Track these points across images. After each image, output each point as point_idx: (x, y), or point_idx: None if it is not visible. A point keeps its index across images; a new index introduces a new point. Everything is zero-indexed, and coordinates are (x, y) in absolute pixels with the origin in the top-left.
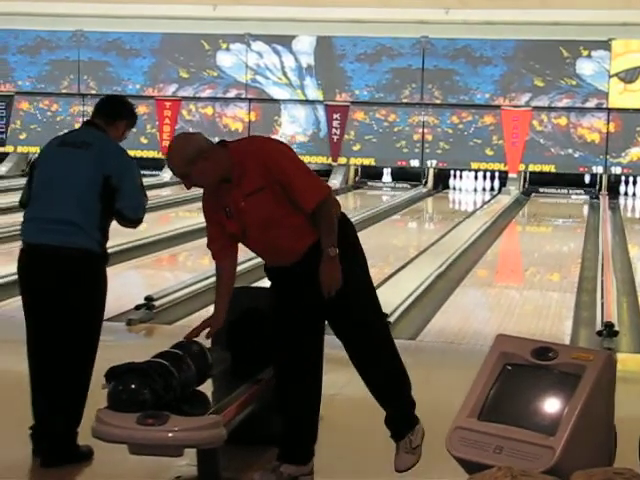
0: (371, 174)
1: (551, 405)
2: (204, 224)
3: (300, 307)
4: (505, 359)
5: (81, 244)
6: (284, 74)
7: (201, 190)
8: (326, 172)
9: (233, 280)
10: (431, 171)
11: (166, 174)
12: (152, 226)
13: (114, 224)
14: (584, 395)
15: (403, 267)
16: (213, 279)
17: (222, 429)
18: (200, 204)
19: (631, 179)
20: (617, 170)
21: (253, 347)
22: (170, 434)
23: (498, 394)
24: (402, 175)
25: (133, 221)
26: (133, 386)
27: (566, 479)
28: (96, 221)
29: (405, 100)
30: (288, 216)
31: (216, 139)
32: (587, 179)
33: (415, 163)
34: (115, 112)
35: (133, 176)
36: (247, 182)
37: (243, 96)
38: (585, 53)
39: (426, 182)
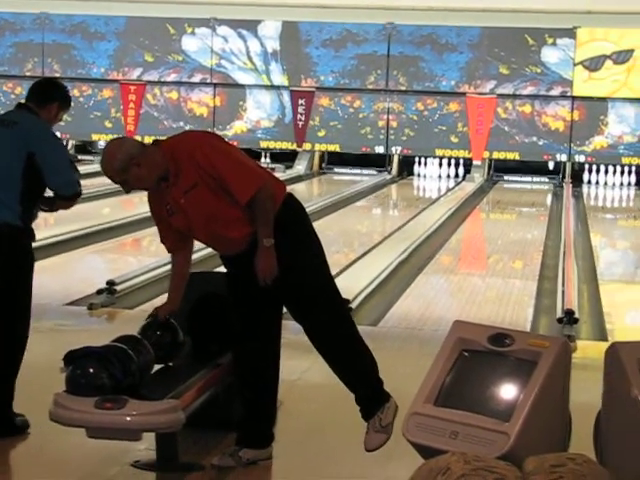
0: (335, 161)
1: (507, 391)
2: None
3: (253, 293)
4: (462, 345)
5: (1, 217)
6: (249, 59)
7: None
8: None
9: (187, 272)
10: (395, 158)
11: None
12: (115, 210)
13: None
14: (539, 381)
15: (367, 253)
16: None
17: (180, 413)
18: None
19: (594, 167)
20: (581, 158)
21: (213, 332)
22: (128, 418)
23: (454, 380)
24: (366, 162)
25: (71, 197)
26: (91, 370)
27: (521, 464)
28: (17, 197)
29: (370, 86)
30: (227, 209)
31: (181, 124)
32: (551, 166)
33: (380, 150)
34: (46, 95)
35: (58, 153)
36: (183, 179)
37: (208, 81)
38: (550, 41)
39: (390, 169)
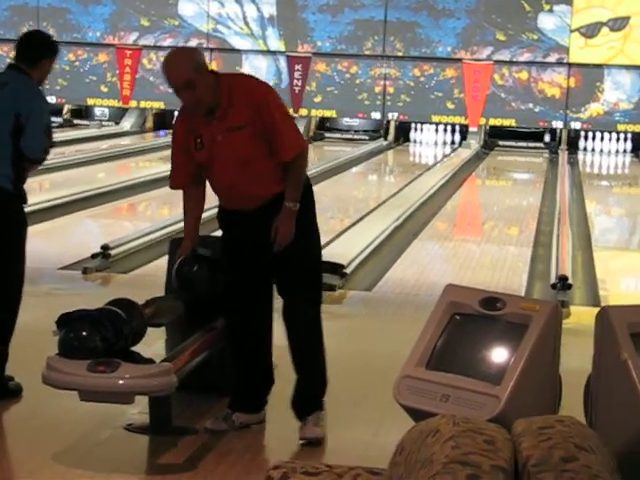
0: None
1: (498, 355)
2: (164, 173)
3: (251, 256)
4: (453, 309)
5: None
6: (246, 24)
7: (160, 140)
8: None
9: (202, 208)
10: (392, 124)
11: (126, 123)
12: (111, 175)
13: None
14: (530, 345)
15: (362, 219)
16: (170, 229)
17: (173, 377)
18: (160, 154)
19: (590, 134)
20: (577, 125)
21: (206, 295)
22: (121, 381)
23: (446, 343)
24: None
25: (31, 160)
26: (84, 333)
27: (510, 427)
28: (8, 159)
29: (367, 52)
30: (261, 159)
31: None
32: (547, 138)
33: (376, 115)
34: (37, 55)
35: (38, 116)
36: (232, 116)
37: (204, 46)
38: (547, 7)
39: (387, 135)
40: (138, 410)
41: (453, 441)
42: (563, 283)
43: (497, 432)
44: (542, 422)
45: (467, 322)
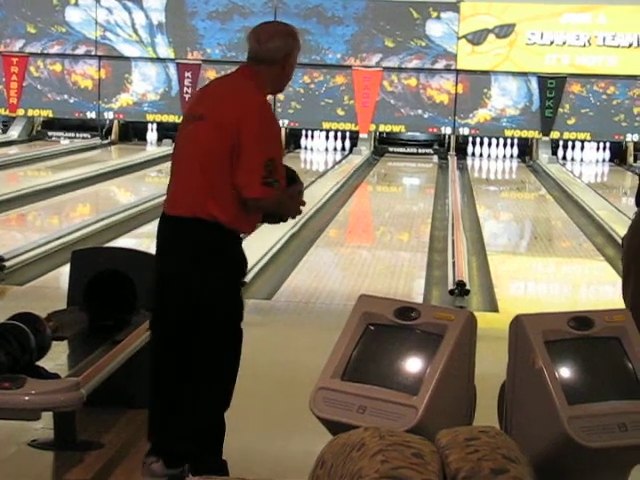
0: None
1: (413, 365)
2: (53, 183)
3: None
4: (368, 319)
5: None
6: (135, 31)
7: (46, 149)
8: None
9: None
10: (283, 130)
11: (14, 132)
12: None
13: None
14: (446, 354)
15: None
16: (64, 239)
17: (81, 392)
18: (49, 162)
19: (478, 140)
20: (465, 131)
21: (110, 308)
22: (27, 397)
23: (361, 354)
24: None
25: None
26: None
27: (429, 438)
28: None
29: None
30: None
31: (65, 97)
32: (435, 149)
33: None
34: None
35: None
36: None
37: (93, 53)
38: (434, 15)
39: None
40: (42, 425)
41: (382, 455)
42: (461, 289)
43: (424, 445)
44: (467, 433)
45: (382, 332)
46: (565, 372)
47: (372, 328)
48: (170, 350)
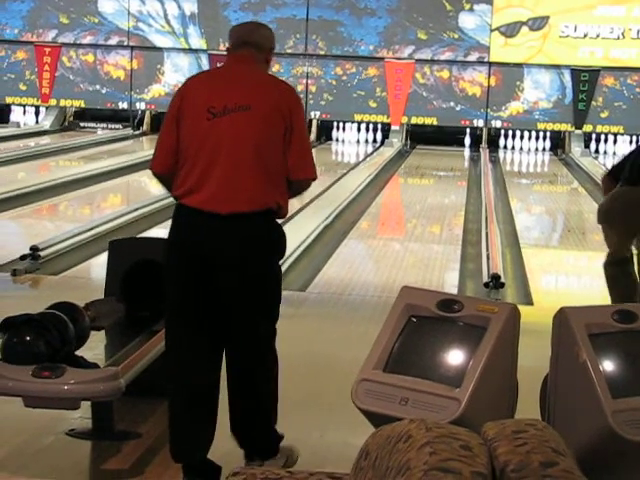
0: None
1: (456, 357)
2: (84, 174)
3: (200, 287)
4: (410, 311)
5: None
6: (167, 22)
7: (78, 139)
8: None
9: None
10: (314, 122)
11: (46, 122)
12: (31, 175)
13: None
14: (489, 347)
15: (289, 220)
16: (97, 229)
17: (120, 381)
18: (80, 153)
19: (510, 133)
20: (497, 124)
21: (147, 298)
22: (67, 387)
23: (403, 346)
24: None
25: None
26: (28, 338)
27: (472, 430)
28: None
29: (289, 50)
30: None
31: (97, 87)
32: (467, 142)
33: None
34: None
35: None
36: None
37: (125, 43)
38: (467, 7)
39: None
40: (79, 415)
41: (429, 447)
42: (496, 281)
43: (471, 437)
44: (514, 426)
45: (424, 324)
46: (609, 365)
47: (414, 320)
48: (234, 342)
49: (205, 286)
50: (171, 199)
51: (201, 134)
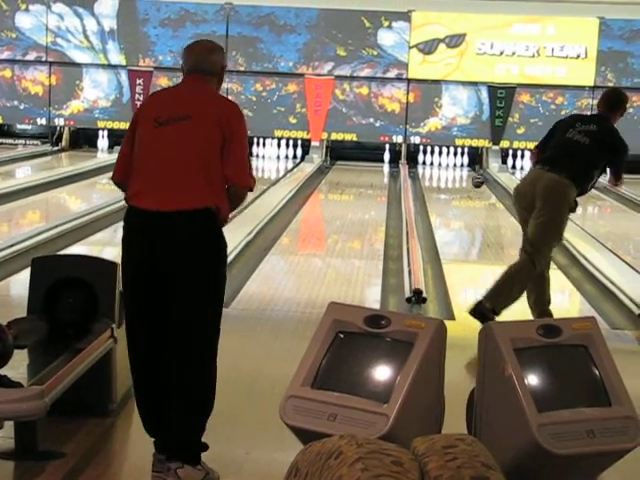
0: None
1: (384, 373)
2: (3, 190)
3: (149, 274)
4: (338, 327)
5: None
6: (86, 37)
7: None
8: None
9: None
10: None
11: None
12: None
13: None
14: (416, 362)
15: None
16: (17, 247)
17: (44, 400)
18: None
19: (429, 149)
20: (416, 140)
21: (71, 315)
22: None
23: (331, 362)
24: None
25: None
26: None
27: (401, 445)
28: None
29: None
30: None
31: (15, 102)
32: (387, 157)
33: None
34: None
35: None
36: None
37: (43, 59)
38: (386, 24)
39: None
40: (1, 435)
41: (361, 463)
42: (418, 297)
43: (401, 452)
44: (444, 441)
45: (352, 340)
46: (534, 379)
47: (342, 336)
48: (174, 339)
49: (151, 276)
50: (90, 216)
51: (148, 141)
